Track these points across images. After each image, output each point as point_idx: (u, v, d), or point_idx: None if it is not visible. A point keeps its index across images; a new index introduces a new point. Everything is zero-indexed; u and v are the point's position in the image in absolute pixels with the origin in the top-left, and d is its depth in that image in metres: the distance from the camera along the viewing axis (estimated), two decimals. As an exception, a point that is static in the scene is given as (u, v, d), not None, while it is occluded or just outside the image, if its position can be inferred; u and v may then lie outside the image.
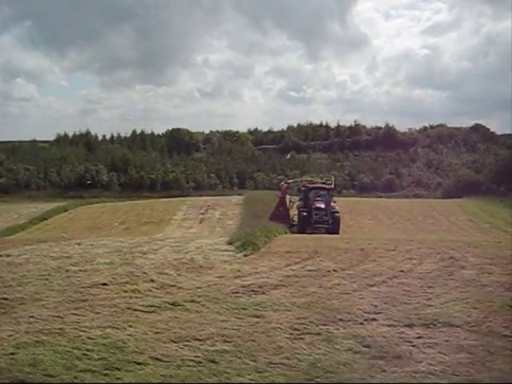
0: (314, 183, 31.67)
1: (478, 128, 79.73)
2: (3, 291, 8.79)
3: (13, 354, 5.87)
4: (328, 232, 26.12)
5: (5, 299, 8.31)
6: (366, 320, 7.33)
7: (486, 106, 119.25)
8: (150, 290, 8.99)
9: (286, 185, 32.27)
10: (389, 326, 7.08)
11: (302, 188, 30.44)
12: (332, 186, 31.51)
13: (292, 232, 25.66)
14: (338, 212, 28.72)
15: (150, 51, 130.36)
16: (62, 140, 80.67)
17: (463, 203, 44.20)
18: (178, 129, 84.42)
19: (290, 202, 30.91)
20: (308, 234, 25.32)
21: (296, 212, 29.41)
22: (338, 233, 26.51)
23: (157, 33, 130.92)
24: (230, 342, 6.37)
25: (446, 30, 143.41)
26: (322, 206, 28.24)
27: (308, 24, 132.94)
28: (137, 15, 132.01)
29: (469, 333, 6.81)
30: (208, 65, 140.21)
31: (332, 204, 28.90)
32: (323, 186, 31.08)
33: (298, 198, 30.79)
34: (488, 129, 79.22)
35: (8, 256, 12.19)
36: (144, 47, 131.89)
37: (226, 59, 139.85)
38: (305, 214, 28.18)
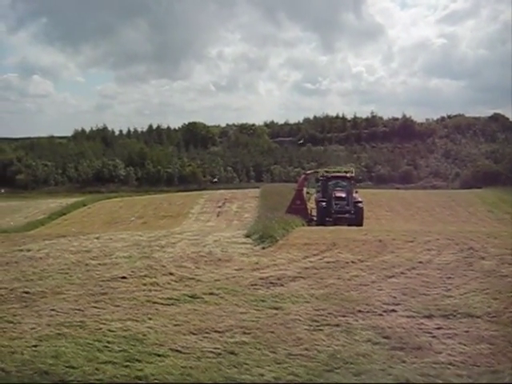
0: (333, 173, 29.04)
1: (496, 117, 78.77)
2: (25, 285, 8.90)
3: (36, 346, 5.96)
4: (350, 224, 23.32)
5: (26, 293, 8.42)
6: (385, 311, 7.31)
7: (504, 94, 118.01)
8: (168, 283, 9.04)
9: (303, 176, 30.50)
10: (408, 317, 7.05)
11: (321, 177, 27.93)
12: (353, 175, 28.92)
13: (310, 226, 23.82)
14: (361, 202, 26.46)
15: (164, 45, 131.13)
16: (79, 135, 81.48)
17: (482, 194, 43.76)
18: (194, 123, 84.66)
19: (308, 193, 28.93)
20: (330, 226, 23.20)
21: (314, 206, 27.36)
22: (361, 224, 24.37)
23: (170, 27, 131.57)
24: (249, 333, 6.39)
25: (463, 18, 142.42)
26: (343, 195, 26.04)
27: (322, 15, 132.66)
28: (150, 9, 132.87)
29: (489, 323, 6.76)
30: (222, 58, 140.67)
31: (354, 194, 26.73)
32: (344, 174, 28.61)
33: (315, 190, 28.58)
34: (507, 118, 78.27)
35: (29, 251, 12.33)
36: (158, 41, 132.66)
37: (240, 52, 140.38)
38: (324, 204, 25.98)
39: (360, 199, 26.69)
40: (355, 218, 25.16)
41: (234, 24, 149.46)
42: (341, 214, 25.36)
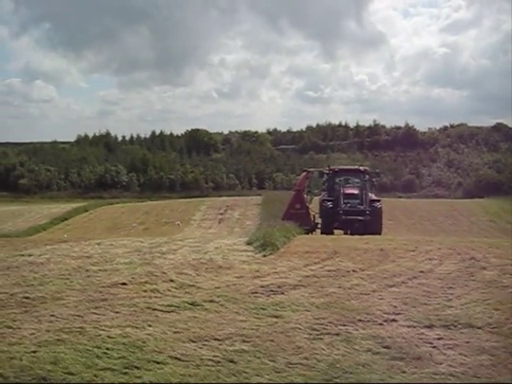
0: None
1: (499, 127, 78.93)
2: (25, 290, 8.88)
3: (34, 352, 5.93)
4: (365, 230, 19.02)
5: (26, 298, 8.39)
6: (385, 321, 7.27)
7: (507, 104, 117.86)
8: (169, 290, 9.01)
9: (304, 174, 24.51)
10: (408, 326, 7.02)
11: (326, 172, 23.03)
12: (367, 169, 24.11)
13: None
14: (378, 201, 21.62)
15: (166, 52, 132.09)
16: (82, 141, 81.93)
17: (484, 203, 43.74)
18: (197, 129, 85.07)
19: (309, 191, 24.32)
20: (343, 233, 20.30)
21: (318, 210, 22.81)
22: (379, 231, 20.08)
23: (173, 33, 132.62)
24: (248, 341, 6.36)
25: (465, 27, 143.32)
26: (355, 191, 21.12)
27: (324, 23, 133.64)
28: (153, 16, 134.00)
29: (490, 334, 6.72)
30: (224, 65, 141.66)
31: (369, 194, 21.77)
32: (356, 167, 24.13)
33: (320, 189, 24.31)
34: (510, 128, 78.49)
35: (30, 256, 12.30)
36: (160, 48, 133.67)
37: (242, 59, 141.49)
38: (330, 205, 21.17)
39: (377, 198, 22.13)
40: (371, 220, 20.28)
41: (236, 31, 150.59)
42: (352, 215, 20.45)
